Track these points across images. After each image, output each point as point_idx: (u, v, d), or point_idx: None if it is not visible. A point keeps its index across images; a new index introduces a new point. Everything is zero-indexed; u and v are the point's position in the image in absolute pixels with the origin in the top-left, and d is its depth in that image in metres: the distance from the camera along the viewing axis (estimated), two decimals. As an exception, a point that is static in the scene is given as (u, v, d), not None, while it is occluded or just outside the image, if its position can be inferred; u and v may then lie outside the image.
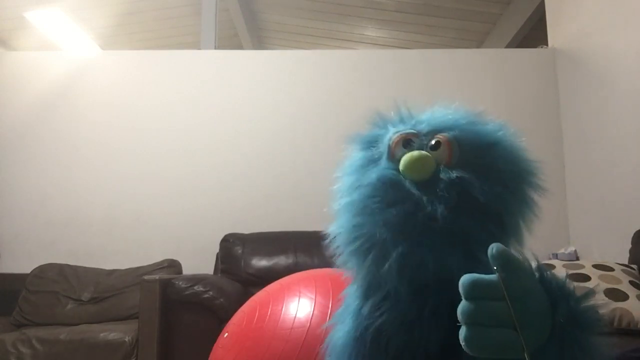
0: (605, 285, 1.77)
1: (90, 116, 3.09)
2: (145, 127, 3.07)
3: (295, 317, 1.11)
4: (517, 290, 0.44)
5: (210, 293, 2.05)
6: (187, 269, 2.80)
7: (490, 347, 0.43)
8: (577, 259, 2.69)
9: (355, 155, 0.69)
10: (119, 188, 3.00)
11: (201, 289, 2.05)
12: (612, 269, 1.86)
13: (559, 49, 3.07)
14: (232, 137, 3.06)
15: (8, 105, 3.11)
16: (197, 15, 4.40)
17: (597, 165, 2.62)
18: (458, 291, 0.44)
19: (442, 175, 0.59)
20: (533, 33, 4.16)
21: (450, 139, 0.62)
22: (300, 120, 3.09)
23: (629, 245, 2.12)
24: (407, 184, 0.59)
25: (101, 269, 2.76)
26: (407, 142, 0.64)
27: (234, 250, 2.64)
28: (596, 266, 1.89)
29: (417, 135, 0.64)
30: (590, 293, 0.52)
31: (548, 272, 0.51)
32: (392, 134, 0.66)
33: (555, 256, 2.69)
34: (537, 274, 0.51)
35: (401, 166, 0.61)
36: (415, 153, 0.61)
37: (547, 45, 3.20)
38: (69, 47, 4.54)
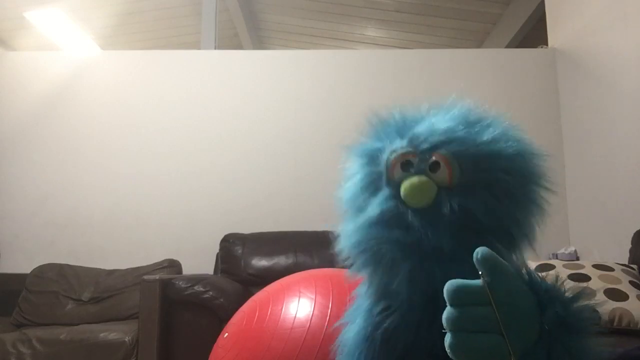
0: (605, 285, 1.77)
1: (90, 116, 3.09)
2: (145, 127, 3.07)
3: (295, 317, 1.11)
4: (503, 295, 0.44)
5: (210, 293, 2.05)
6: (187, 269, 2.80)
7: (476, 353, 0.43)
8: (577, 259, 2.69)
9: (355, 170, 0.68)
10: (119, 188, 3.00)
11: (201, 289, 2.05)
12: (612, 269, 1.86)
13: (559, 49, 3.07)
14: (232, 137, 3.06)
15: (8, 105, 3.11)
16: (197, 15, 4.40)
17: (597, 165, 2.62)
18: None
19: (444, 203, 0.57)
20: (533, 33, 4.16)
21: (449, 157, 0.60)
22: (300, 120, 3.09)
23: (629, 245, 2.12)
24: (410, 216, 0.58)
25: (101, 269, 2.76)
26: (405, 165, 0.62)
27: (234, 250, 2.64)
28: (596, 266, 1.89)
29: (414, 154, 0.62)
30: (582, 294, 0.51)
31: (537, 276, 0.51)
32: (389, 154, 0.64)
33: (555, 256, 2.69)
34: (526, 278, 0.51)
35: (402, 194, 0.59)
36: (415, 180, 0.59)
37: (547, 45, 3.20)
38: (69, 47, 4.54)
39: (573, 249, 2.76)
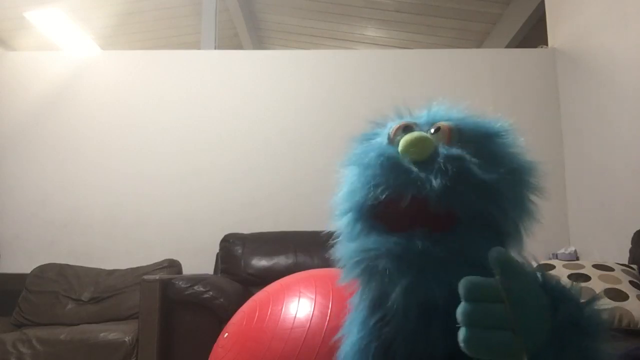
0: (605, 285, 1.77)
1: (90, 116, 3.09)
2: (145, 127, 3.07)
3: (295, 317, 1.11)
4: (517, 293, 0.44)
5: (210, 293, 2.05)
6: (187, 269, 2.80)
7: (489, 348, 0.43)
8: (577, 259, 2.69)
9: (354, 149, 0.68)
10: (119, 188, 3.00)
11: (201, 289, 2.05)
12: (612, 269, 1.86)
13: (559, 49, 3.07)
14: (232, 137, 3.06)
15: (8, 105, 3.11)
16: (197, 15, 4.41)
17: (597, 165, 2.62)
18: None
19: (441, 151, 0.57)
20: (533, 33, 4.15)
21: (451, 125, 0.61)
22: (300, 120, 3.09)
23: (629, 245, 2.12)
24: (406, 162, 0.57)
25: (101, 269, 2.76)
26: (406, 128, 0.63)
27: (234, 250, 2.64)
28: (596, 266, 1.89)
29: (417, 125, 0.64)
30: (595, 298, 0.52)
31: (551, 277, 0.51)
32: (392, 125, 0.65)
33: (555, 256, 2.69)
34: (540, 278, 0.51)
35: (400, 146, 0.59)
36: (415, 133, 0.59)
37: (547, 45, 3.20)
38: (69, 47, 4.54)
39: (573, 249, 2.76)
